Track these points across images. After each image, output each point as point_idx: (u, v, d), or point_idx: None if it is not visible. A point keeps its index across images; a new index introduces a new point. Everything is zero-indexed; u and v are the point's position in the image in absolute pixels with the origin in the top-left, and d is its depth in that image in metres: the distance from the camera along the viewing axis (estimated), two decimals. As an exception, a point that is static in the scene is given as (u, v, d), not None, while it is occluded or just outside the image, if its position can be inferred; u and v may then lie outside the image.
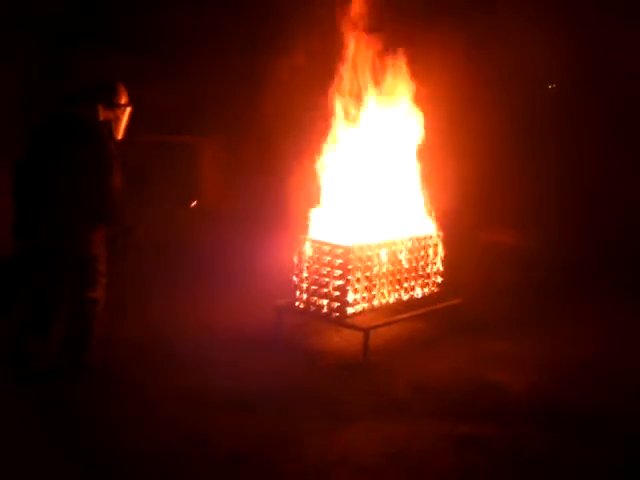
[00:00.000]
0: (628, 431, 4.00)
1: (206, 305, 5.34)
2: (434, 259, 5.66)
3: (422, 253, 5.56)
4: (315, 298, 5.17)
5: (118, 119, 4.45)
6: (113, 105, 4.41)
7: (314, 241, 5.21)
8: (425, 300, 5.60)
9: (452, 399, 4.36)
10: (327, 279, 5.09)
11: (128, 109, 4.51)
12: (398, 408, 4.23)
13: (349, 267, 4.99)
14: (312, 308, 5.20)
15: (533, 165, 7.92)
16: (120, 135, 4.50)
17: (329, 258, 5.08)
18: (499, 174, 7.76)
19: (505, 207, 7.78)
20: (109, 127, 4.36)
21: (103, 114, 4.36)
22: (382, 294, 5.28)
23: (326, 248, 5.11)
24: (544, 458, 3.68)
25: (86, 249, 4.28)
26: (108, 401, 4.20)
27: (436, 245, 5.67)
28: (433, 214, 5.72)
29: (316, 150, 5.55)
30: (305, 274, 5.23)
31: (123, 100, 4.47)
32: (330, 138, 5.56)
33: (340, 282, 5.02)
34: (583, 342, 5.38)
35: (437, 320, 5.63)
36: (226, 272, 5.49)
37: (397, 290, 5.40)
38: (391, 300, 5.36)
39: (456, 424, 3.99)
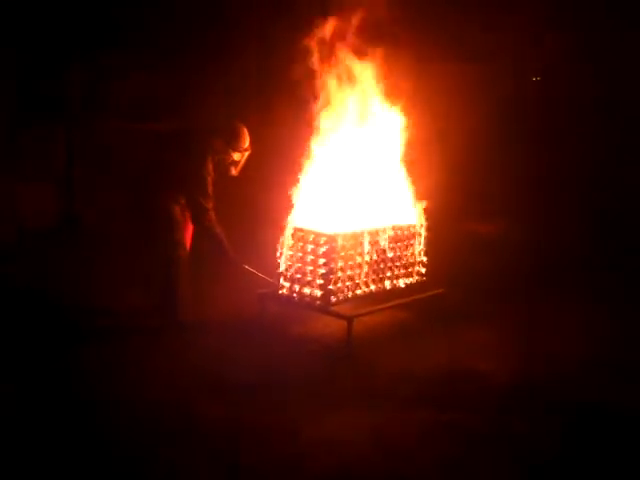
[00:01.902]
0: (614, 420, 4.02)
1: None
2: (418, 248, 5.68)
3: (406, 242, 5.58)
4: (298, 286, 5.19)
5: (235, 160, 5.25)
6: (235, 148, 5.20)
7: (298, 229, 5.21)
8: (408, 289, 5.61)
9: (435, 388, 4.38)
10: (311, 267, 5.10)
11: (247, 153, 5.28)
12: (381, 396, 4.25)
13: (333, 256, 5.00)
14: (295, 296, 5.21)
15: (516, 155, 7.96)
16: (236, 173, 5.34)
17: (313, 246, 5.09)
18: (482, 164, 7.78)
19: (488, 197, 7.81)
20: (216, 159, 5.15)
21: (224, 151, 5.18)
22: (365, 283, 5.30)
23: (310, 237, 5.11)
24: (526, 447, 3.69)
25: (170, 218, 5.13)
26: (95, 386, 4.23)
27: (420, 234, 5.68)
28: (417, 204, 5.72)
29: (301, 140, 5.54)
30: (288, 263, 5.24)
31: (245, 145, 5.23)
32: (314, 129, 5.55)
33: (323, 270, 5.03)
34: (565, 331, 5.41)
35: (420, 309, 5.64)
36: (209, 260, 5.48)
37: (381, 279, 5.42)
38: (374, 289, 5.38)
39: (438, 412, 4.01)
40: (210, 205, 5.13)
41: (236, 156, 5.26)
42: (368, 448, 3.62)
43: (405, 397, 4.24)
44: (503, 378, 4.52)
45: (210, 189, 5.11)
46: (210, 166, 5.11)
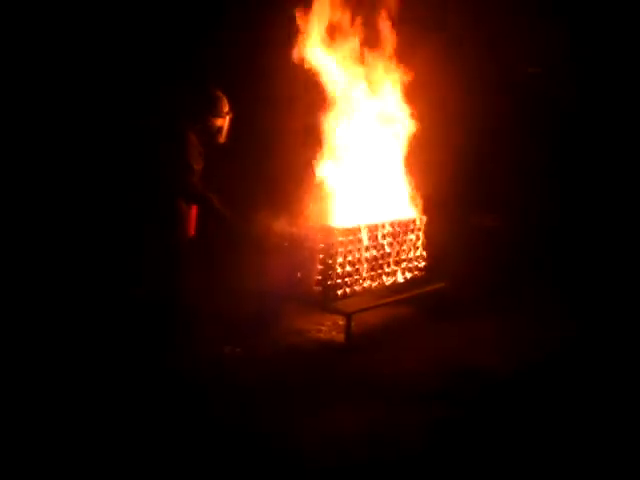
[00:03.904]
0: (621, 413, 3.99)
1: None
2: (417, 243, 5.66)
3: (405, 237, 5.56)
4: (298, 282, 5.16)
5: (218, 126, 4.98)
6: (215, 114, 4.94)
7: (296, 225, 5.19)
8: (408, 284, 5.60)
9: (434, 383, 4.36)
10: (310, 263, 5.07)
11: (228, 117, 5.02)
12: (380, 392, 4.23)
13: (331, 251, 4.99)
14: (295, 292, 5.17)
15: (516, 149, 7.93)
16: (223, 140, 5.04)
17: (311, 242, 5.07)
18: (482, 158, 7.75)
19: (488, 191, 7.78)
20: (197, 128, 4.89)
21: (204, 119, 4.93)
22: (365, 278, 5.28)
23: (308, 232, 5.09)
24: (527, 443, 3.66)
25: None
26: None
27: (419, 229, 5.67)
28: (416, 198, 5.71)
29: (301, 137, 5.53)
30: (289, 259, 5.21)
31: (225, 109, 4.99)
32: (317, 124, 5.53)
33: (322, 266, 5.02)
34: (568, 326, 5.39)
35: (420, 304, 5.62)
36: (208, 256, 5.47)
37: (380, 274, 5.40)
38: (374, 284, 5.36)
39: (438, 408, 3.99)
40: (194, 179, 4.86)
41: (219, 122, 5.00)
42: (365, 445, 3.59)
43: (404, 393, 4.21)
44: (504, 374, 4.49)
45: (193, 162, 4.84)
46: (192, 138, 4.85)
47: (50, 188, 6.33)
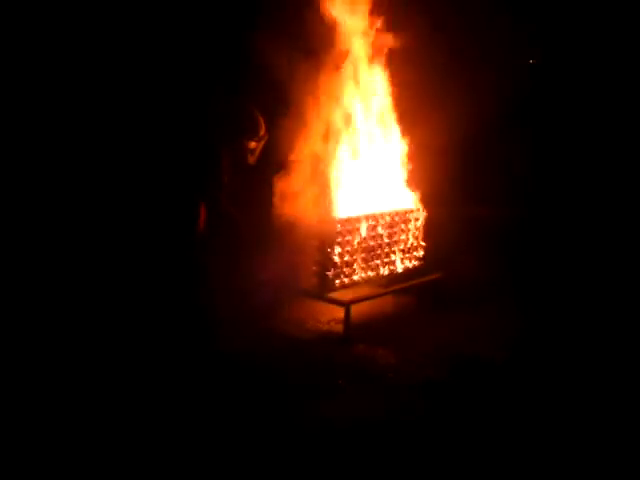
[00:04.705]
0: (619, 408, 4.01)
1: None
2: (415, 233, 5.67)
3: (403, 227, 5.57)
4: (298, 273, 5.17)
5: (251, 148, 5.16)
6: (250, 138, 5.11)
7: (294, 216, 5.19)
8: (406, 274, 5.61)
9: (432, 373, 4.39)
10: (308, 254, 5.08)
11: (263, 140, 5.19)
12: (378, 382, 4.26)
13: (330, 242, 5.00)
14: (294, 283, 5.19)
15: (515, 140, 7.97)
16: (253, 161, 5.21)
17: (309, 233, 5.07)
18: (480, 148, 7.79)
19: (486, 181, 7.81)
20: (230, 152, 5.07)
21: (239, 142, 5.09)
22: (363, 268, 5.29)
23: (306, 223, 5.09)
24: (526, 434, 3.68)
25: None
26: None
27: (417, 219, 5.67)
28: (414, 188, 5.72)
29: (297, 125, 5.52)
30: (287, 250, 5.21)
31: (261, 133, 5.15)
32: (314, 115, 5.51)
33: (321, 256, 5.02)
34: (565, 317, 5.40)
35: (418, 294, 5.65)
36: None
37: (378, 265, 5.41)
38: (372, 274, 5.37)
39: (435, 399, 4.03)
40: (223, 196, 5.04)
41: (253, 144, 5.15)
42: (363, 435, 3.61)
43: (403, 383, 4.24)
44: (502, 364, 4.52)
45: (224, 180, 5.01)
46: (225, 156, 5.00)
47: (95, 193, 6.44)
